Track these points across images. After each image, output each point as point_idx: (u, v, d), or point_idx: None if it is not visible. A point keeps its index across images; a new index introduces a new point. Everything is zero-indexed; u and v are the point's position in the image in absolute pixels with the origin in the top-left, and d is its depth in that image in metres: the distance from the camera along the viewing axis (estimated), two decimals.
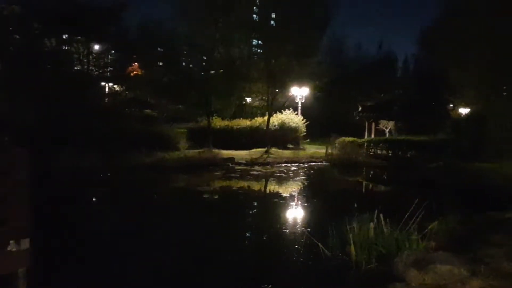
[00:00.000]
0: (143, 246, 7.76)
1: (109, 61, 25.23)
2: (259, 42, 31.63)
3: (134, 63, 27.78)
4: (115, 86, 26.57)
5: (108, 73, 24.92)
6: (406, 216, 7.13)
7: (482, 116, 20.37)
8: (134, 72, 27.76)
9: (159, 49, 27.52)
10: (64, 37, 23.54)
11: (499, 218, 8.54)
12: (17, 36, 22.71)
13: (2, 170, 3.75)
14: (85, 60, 23.33)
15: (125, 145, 18.53)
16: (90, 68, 23.56)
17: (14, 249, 3.64)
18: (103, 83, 25.80)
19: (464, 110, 27.57)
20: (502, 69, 18.90)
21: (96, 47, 24.28)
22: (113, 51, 25.43)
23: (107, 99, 25.63)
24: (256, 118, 28.85)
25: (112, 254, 7.29)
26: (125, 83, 25.50)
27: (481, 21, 19.46)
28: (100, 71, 24.27)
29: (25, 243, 3.70)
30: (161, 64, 27.80)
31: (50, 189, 12.05)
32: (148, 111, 27.26)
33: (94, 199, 13.68)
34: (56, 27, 21.73)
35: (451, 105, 30.68)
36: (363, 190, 17.99)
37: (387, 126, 31.57)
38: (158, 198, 13.58)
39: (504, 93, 21.74)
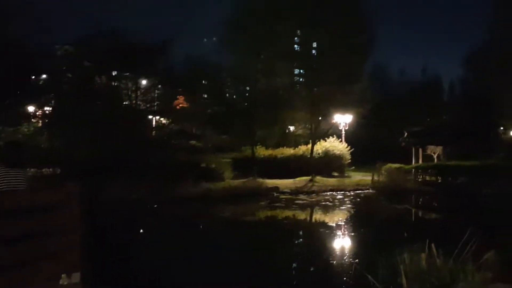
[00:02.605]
0: (188, 280, 7.83)
1: (156, 95, 26.31)
2: (301, 71, 31.98)
3: (179, 96, 28.78)
4: (162, 119, 27.57)
5: (155, 107, 25.93)
6: (459, 245, 6.87)
7: None
8: (180, 105, 28.74)
9: (203, 81, 28.40)
10: (113, 73, 24.84)
11: None
12: (70, 75, 24.21)
13: (56, 205, 3.94)
14: (133, 95, 24.43)
15: (172, 176, 18.96)
16: (138, 102, 24.61)
17: (65, 283, 3.74)
18: (150, 117, 26.86)
19: None
20: None
21: (144, 82, 25.43)
22: (159, 86, 26.52)
23: (154, 131, 26.58)
24: (299, 146, 28.79)
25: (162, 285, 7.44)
26: (171, 115, 26.41)
27: None
28: (148, 105, 25.32)
29: (76, 277, 3.80)
30: (205, 96, 28.64)
31: (100, 222, 12.50)
32: (193, 142, 27.92)
33: (142, 230, 14.08)
34: (106, 64, 23.02)
35: (501, 128, 29.41)
36: (413, 218, 17.44)
37: (435, 151, 30.57)
38: (204, 229, 13.77)
39: None
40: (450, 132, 28.91)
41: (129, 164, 18.74)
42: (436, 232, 11.81)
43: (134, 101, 25.09)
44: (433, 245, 6.91)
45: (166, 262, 8.93)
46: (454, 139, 28.21)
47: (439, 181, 23.53)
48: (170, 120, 26.76)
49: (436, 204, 20.58)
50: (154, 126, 27.19)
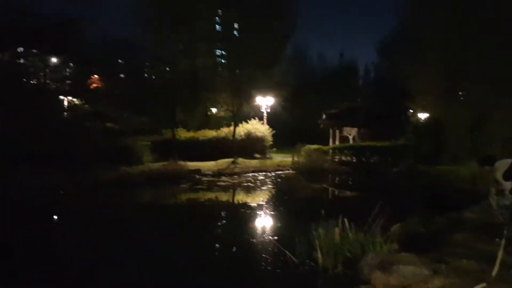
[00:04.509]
0: (105, 269, 7.42)
1: (67, 74, 24.53)
2: (223, 52, 31.66)
3: (93, 75, 27.13)
4: (74, 99, 25.81)
5: (67, 87, 24.19)
6: (370, 219, 7.25)
7: (439, 121, 21.09)
8: (94, 85, 27.11)
9: (120, 61, 26.99)
10: (18, 50, 22.70)
11: (458, 218, 8.81)
12: None
13: None
14: (42, 74, 22.54)
15: (87, 161, 17.87)
16: (47, 81, 22.77)
17: None
18: (61, 97, 25.01)
19: (422, 116, 28.51)
20: (457, 75, 19.66)
21: (54, 60, 23.55)
22: (71, 64, 24.76)
23: (66, 113, 24.82)
24: (222, 129, 28.73)
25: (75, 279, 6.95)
26: (85, 96, 24.85)
27: (436, 30, 20.22)
28: (58, 84, 23.52)
29: None
30: (122, 76, 27.27)
31: (5, 212, 11.50)
32: (110, 124, 26.58)
33: (55, 217, 13.15)
34: (9, 40, 20.93)
35: (411, 110, 31.64)
36: (329, 196, 18.21)
37: (351, 133, 32.18)
38: (121, 215, 13.10)
39: (461, 98, 22.59)
40: (364, 114, 30.55)
41: (39, 148, 17.37)
42: (349, 208, 12.42)
43: (42, 80, 23.19)
44: (346, 220, 7.27)
45: (75, 254, 8.38)
46: (368, 121, 29.86)
47: (354, 161, 24.83)
48: (83, 101, 25.17)
49: (350, 183, 21.67)
50: (66, 107, 25.40)
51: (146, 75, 28.09)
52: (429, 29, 20.51)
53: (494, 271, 5.06)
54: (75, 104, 25.75)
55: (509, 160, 5.80)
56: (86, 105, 25.23)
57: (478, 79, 18.44)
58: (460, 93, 22.30)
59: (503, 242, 5.62)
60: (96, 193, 15.76)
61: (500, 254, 5.35)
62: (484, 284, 4.59)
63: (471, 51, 18.42)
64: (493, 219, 7.36)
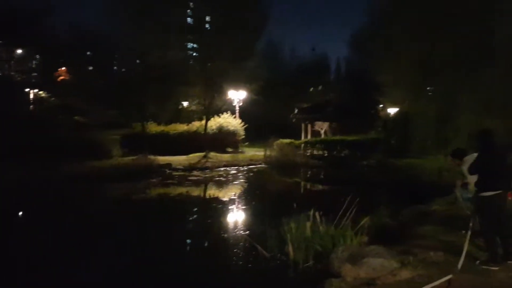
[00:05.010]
0: (76, 266, 7.19)
1: (33, 66, 23.69)
2: (195, 45, 31.28)
3: (61, 67, 26.28)
4: (41, 92, 24.95)
5: (33, 79, 23.38)
6: (340, 213, 7.31)
7: (408, 115, 21.53)
8: (62, 77, 26.28)
9: (88, 52, 26.25)
10: None
11: (425, 210, 9.01)
12: None
13: None
14: (6, 65, 21.71)
15: (53, 155, 17.30)
16: (12, 73, 21.95)
17: None
18: (27, 89, 24.14)
19: (392, 110, 29.03)
20: (425, 71, 20.08)
21: (19, 51, 22.71)
22: (37, 56, 23.92)
23: (31, 106, 23.97)
24: (193, 123, 28.42)
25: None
26: (52, 88, 24.06)
27: (405, 25, 20.57)
28: (24, 76, 22.70)
29: None
30: (91, 68, 26.52)
31: None
32: (78, 117, 25.84)
33: (20, 213, 12.70)
34: None
35: (381, 105, 32.16)
36: (301, 190, 18.32)
37: (322, 127, 32.42)
38: (89, 210, 12.76)
39: (430, 93, 23.09)
40: (335, 109, 30.82)
41: (2, 142, 16.72)
42: (321, 202, 12.48)
43: (7, 72, 22.34)
44: (317, 214, 7.31)
45: (47, 250, 8.13)
46: (339, 115, 30.14)
47: (326, 154, 25.08)
48: (50, 93, 24.36)
49: (322, 177, 21.88)
50: (32, 100, 24.53)
51: (115, 67, 27.44)
52: (398, 24, 20.86)
53: (460, 263, 5.17)
54: (42, 97, 24.89)
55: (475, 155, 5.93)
56: (53, 98, 24.41)
57: (445, 74, 18.89)
58: (428, 88, 22.80)
59: (468, 234, 5.76)
60: (60, 188, 15.25)
61: (465, 246, 5.48)
62: (450, 276, 4.68)
63: (440, 46, 18.84)
64: (459, 212, 7.54)
